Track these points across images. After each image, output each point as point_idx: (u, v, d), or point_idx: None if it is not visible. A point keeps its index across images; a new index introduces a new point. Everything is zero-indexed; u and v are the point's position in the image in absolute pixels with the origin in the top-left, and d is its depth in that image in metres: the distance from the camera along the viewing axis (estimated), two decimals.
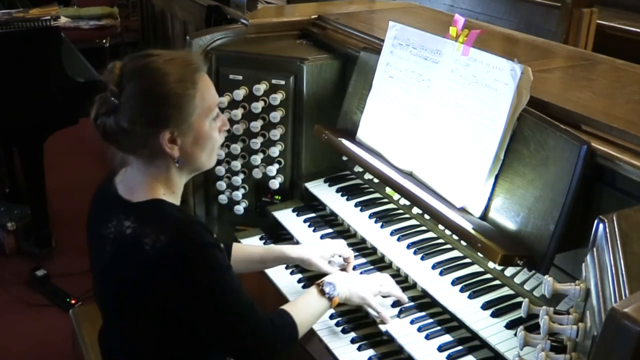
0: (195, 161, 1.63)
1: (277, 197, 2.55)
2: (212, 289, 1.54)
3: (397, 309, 1.91)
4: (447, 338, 1.81)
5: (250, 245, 2.21)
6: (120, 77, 1.53)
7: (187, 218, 1.60)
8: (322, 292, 1.80)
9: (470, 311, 1.79)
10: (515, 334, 1.61)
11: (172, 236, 1.50)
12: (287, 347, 1.73)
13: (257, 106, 2.43)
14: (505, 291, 1.85)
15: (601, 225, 1.26)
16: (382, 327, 1.86)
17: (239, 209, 2.59)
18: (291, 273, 2.17)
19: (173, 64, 1.55)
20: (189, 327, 1.56)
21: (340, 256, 2.10)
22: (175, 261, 1.50)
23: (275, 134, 2.46)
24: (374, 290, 1.88)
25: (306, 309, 1.78)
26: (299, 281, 2.14)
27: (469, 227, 1.76)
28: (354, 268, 2.09)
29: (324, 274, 2.08)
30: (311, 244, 2.14)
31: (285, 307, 1.76)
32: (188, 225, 1.56)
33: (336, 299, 1.82)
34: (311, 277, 2.14)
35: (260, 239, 2.39)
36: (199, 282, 1.52)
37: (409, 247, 2.06)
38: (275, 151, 2.48)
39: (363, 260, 2.14)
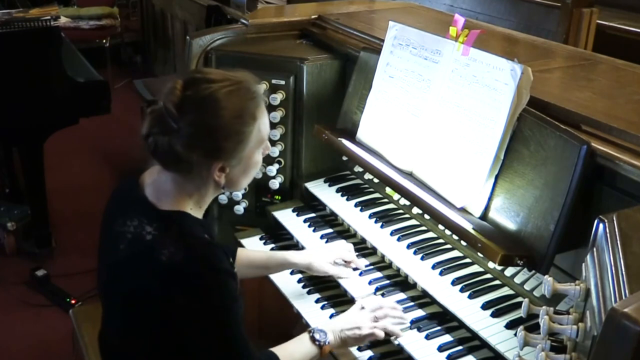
0: (238, 186, 1.66)
1: (277, 197, 2.55)
2: (218, 315, 1.52)
3: None
4: (447, 338, 1.81)
5: (253, 251, 2.20)
6: (182, 101, 1.51)
7: (209, 240, 1.59)
8: (313, 339, 1.79)
9: (470, 311, 1.79)
10: (515, 334, 1.60)
11: (191, 254, 1.49)
12: None
13: None
14: (505, 291, 1.85)
15: (601, 225, 1.26)
16: (395, 341, 1.82)
17: (239, 209, 2.59)
18: (291, 273, 2.17)
19: (236, 96, 1.54)
20: (184, 343, 1.54)
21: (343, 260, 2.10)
22: (189, 280, 1.49)
23: (275, 134, 2.46)
24: (368, 325, 1.82)
25: (295, 354, 1.77)
26: (299, 281, 2.14)
27: (469, 227, 1.76)
28: (354, 269, 2.09)
29: (324, 275, 2.09)
30: (314, 250, 2.13)
31: (275, 349, 1.74)
32: (208, 247, 1.55)
33: (326, 347, 1.79)
34: (311, 277, 2.14)
35: (260, 239, 2.39)
36: (207, 305, 1.50)
37: (409, 247, 2.06)
38: (275, 151, 2.48)
39: (365, 261, 2.13)
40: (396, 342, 1.81)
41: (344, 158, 2.40)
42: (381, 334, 1.81)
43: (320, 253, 2.08)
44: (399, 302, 1.94)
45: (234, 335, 1.56)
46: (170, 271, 1.48)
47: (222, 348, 1.55)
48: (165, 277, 1.48)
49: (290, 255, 2.06)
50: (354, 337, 1.81)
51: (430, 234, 2.12)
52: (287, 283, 2.14)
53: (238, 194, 2.56)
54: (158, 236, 1.52)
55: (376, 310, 1.85)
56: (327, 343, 1.79)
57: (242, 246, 2.33)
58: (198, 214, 1.63)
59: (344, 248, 2.11)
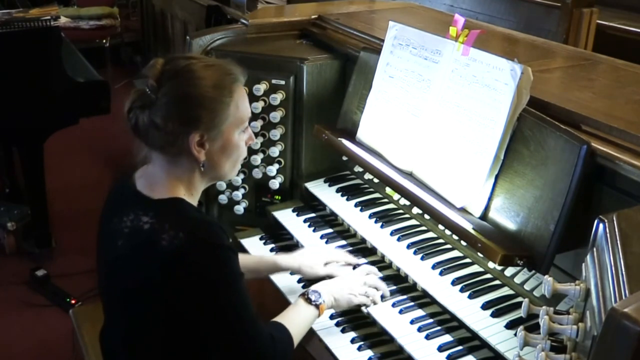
0: (220, 169, 1.65)
1: (277, 197, 2.55)
2: (222, 290, 1.54)
3: (397, 309, 1.91)
4: (447, 338, 1.81)
5: (244, 255, 2.19)
6: (161, 74, 1.55)
7: (207, 219, 1.61)
8: (309, 301, 1.82)
9: (470, 311, 1.79)
10: (515, 334, 1.61)
11: (191, 235, 1.51)
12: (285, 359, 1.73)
13: (257, 106, 2.43)
14: (505, 291, 1.85)
15: (601, 225, 1.26)
16: (369, 311, 1.90)
17: (239, 209, 2.59)
18: (291, 273, 2.17)
19: (212, 70, 1.58)
20: (192, 330, 1.56)
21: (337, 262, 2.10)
22: (191, 259, 1.50)
23: (275, 134, 2.46)
24: (359, 290, 1.90)
25: (297, 319, 1.79)
26: (299, 281, 2.14)
27: (469, 227, 1.76)
28: (354, 268, 2.09)
29: (315, 278, 2.08)
30: (303, 252, 2.12)
31: (278, 319, 1.76)
32: (208, 225, 1.56)
33: (323, 306, 1.83)
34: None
35: (260, 239, 2.39)
36: (210, 282, 1.52)
37: (409, 247, 2.06)
38: (275, 151, 2.48)
39: (363, 260, 2.13)
40: (397, 343, 1.81)
41: (344, 158, 2.40)
42: (368, 302, 1.90)
43: (309, 256, 2.06)
44: (399, 302, 1.94)
45: (239, 309, 1.57)
46: (173, 255, 1.49)
47: (229, 323, 1.56)
48: (168, 262, 1.49)
49: (279, 260, 2.06)
50: (346, 299, 1.88)
51: (430, 234, 2.12)
52: (287, 283, 2.13)
53: (238, 194, 2.56)
54: (155, 223, 1.53)
55: (367, 276, 1.96)
56: (323, 302, 1.83)
57: (242, 246, 2.34)
58: (191, 202, 1.64)
59: (333, 252, 2.12)
